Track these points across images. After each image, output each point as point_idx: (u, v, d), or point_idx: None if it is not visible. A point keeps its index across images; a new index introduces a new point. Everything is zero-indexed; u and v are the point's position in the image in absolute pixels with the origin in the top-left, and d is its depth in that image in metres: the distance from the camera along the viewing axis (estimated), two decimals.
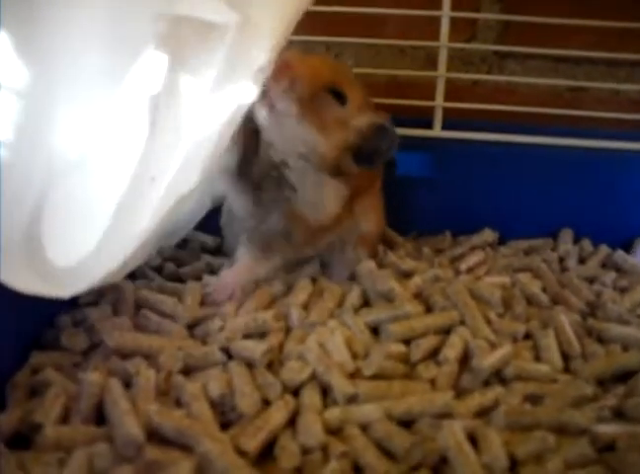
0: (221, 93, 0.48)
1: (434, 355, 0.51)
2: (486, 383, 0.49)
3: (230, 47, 0.47)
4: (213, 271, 0.64)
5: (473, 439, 0.42)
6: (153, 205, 0.46)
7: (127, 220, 0.46)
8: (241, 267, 0.58)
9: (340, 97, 0.55)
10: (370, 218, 0.63)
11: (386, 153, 0.56)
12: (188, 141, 0.47)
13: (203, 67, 0.47)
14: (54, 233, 0.45)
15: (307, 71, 0.53)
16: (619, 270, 0.68)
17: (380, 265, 0.63)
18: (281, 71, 0.51)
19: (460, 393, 0.48)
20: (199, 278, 0.60)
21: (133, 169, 0.46)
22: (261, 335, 0.52)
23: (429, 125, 0.74)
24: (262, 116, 0.53)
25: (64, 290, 0.45)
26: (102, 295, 0.57)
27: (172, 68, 0.46)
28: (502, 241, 0.73)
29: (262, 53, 0.47)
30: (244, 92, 0.48)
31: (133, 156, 0.46)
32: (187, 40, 0.46)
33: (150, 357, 0.49)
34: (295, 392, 0.47)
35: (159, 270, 0.64)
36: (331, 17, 0.73)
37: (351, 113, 0.55)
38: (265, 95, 0.51)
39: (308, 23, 0.73)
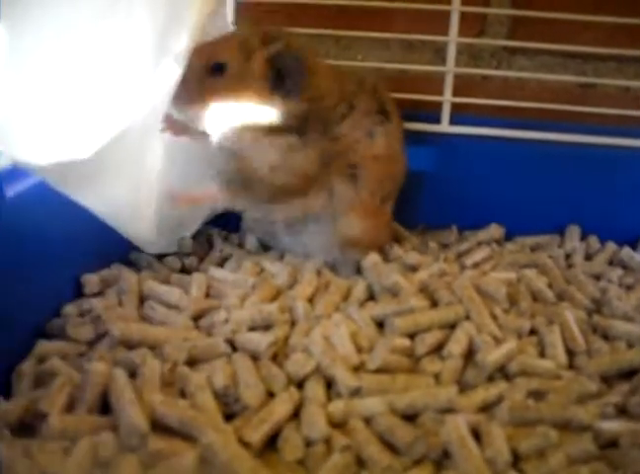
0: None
1: (438, 349, 0.51)
2: (490, 378, 0.49)
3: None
4: (220, 262, 0.64)
5: (476, 434, 0.43)
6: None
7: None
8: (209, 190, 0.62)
9: (220, 68, 0.56)
10: (354, 224, 0.62)
11: (299, 73, 0.57)
12: None
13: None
14: None
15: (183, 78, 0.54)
16: (625, 267, 0.67)
17: (386, 259, 0.63)
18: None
19: (464, 388, 0.48)
20: (205, 270, 0.60)
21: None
22: (266, 327, 0.52)
23: (437, 120, 0.73)
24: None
25: None
26: (107, 286, 0.58)
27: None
28: (508, 237, 0.73)
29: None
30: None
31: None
32: None
33: (155, 348, 0.49)
34: (300, 385, 0.47)
35: (165, 261, 0.64)
36: (340, 11, 0.73)
37: (235, 73, 0.56)
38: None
39: (317, 16, 0.73)
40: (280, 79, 0.56)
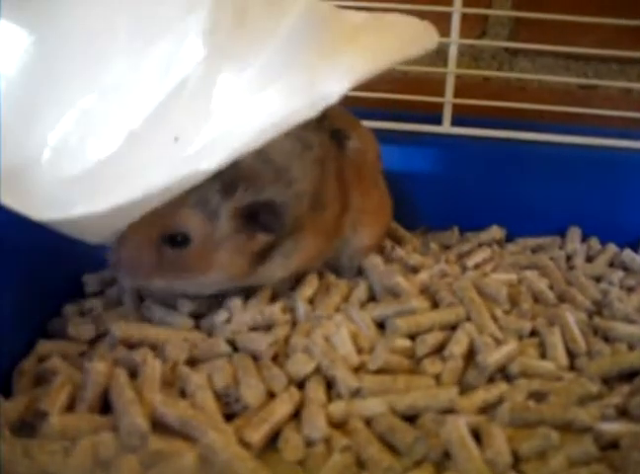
0: (261, 94, 0.45)
1: (439, 350, 0.50)
2: (491, 379, 0.49)
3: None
4: None
5: (477, 435, 0.42)
6: (173, 163, 0.44)
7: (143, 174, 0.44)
8: None
9: (178, 241, 0.49)
10: (363, 234, 0.60)
11: (270, 220, 0.50)
12: (218, 121, 0.45)
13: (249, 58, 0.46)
14: None
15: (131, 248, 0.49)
16: (627, 269, 0.67)
17: (387, 260, 0.63)
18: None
19: (465, 389, 0.48)
20: None
21: (154, 126, 0.46)
22: (267, 327, 0.52)
23: (438, 122, 0.73)
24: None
25: None
26: (108, 285, 0.58)
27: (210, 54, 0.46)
28: (509, 238, 0.73)
29: (335, 85, 0.45)
30: (290, 105, 0.45)
31: (155, 114, 0.46)
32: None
33: (156, 348, 0.49)
34: (300, 385, 0.47)
35: None
36: None
37: (200, 243, 0.49)
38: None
39: None
40: (254, 221, 0.49)
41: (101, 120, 0.47)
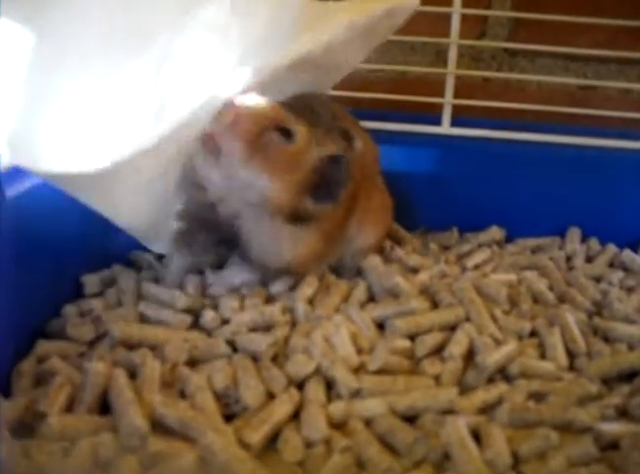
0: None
1: (439, 351, 0.51)
2: (490, 380, 0.49)
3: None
4: (220, 263, 0.64)
5: (477, 436, 0.42)
6: (158, 132, 0.47)
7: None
8: (237, 269, 0.58)
9: (287, 134, 0.51)
10: (367, 233, 0.61)
11: (344, 183, 0.53)
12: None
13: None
14: None
15: (251, 110, 0.50)
16: (626, 269, 0.67)
17: (387, 260, 0.63)
18: (224, 112, 0.49)
19: (464, 389, 0.48)
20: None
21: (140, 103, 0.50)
22: (266, 328, 0.52)
23: (438, 122, 0.74)
24: (206, 165, 0.51)
25: None
26: (108, 286, 0.58)
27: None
28: (509, 239, 0.73)
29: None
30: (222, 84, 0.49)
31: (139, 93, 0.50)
32: None
33: (156, 348, 0.49)
34: (300, 386, 0.47)
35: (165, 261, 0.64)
36: None
37: (301, 148, 0.51)
38: (207, 139, 0.50)
39: None
40: (320, 185, 0.52)
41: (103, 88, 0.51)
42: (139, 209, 0.54)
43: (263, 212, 0.52)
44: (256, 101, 0.51)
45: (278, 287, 0.57)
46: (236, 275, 0.58)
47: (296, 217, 0.53)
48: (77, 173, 0.46)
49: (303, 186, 0.52)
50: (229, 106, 0.49)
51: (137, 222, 0.56)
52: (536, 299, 0.59)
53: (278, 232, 0.53)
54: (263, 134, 0.50)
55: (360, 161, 0.59)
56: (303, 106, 0.54)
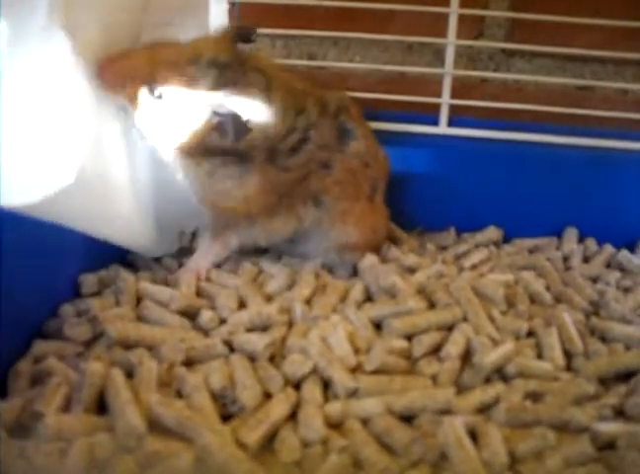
0: None
1: (436, 351, 0.51)
2: (487, 380, 0.49)
3: None
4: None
5: (474, 436, 0.42)
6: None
7: None
8: (200, 252, 0.62)
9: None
10: (350, 229, 0.62)
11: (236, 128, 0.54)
12: None
13: None
14: None
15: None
16: (623, 270, 0.67)
17: (384, 260, 0.63)
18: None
19: (462, 389, 0.48)
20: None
21: None
22: (263, 328, 0.52)
23: (435, 122, 0.74)
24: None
25: None
26: (105, 286, 0.58)
27: None
28: (506, 239, 0.73)
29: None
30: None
31: None
32: None
33: (153, 349, 0.49)
34: (297, 386, 0.47)
35: (162, 262, 0.64)
36: (339, 12, 0.73)
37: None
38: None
39: (316, 18, 0.73)
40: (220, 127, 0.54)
41: None
42: (114, 213, 0.55)
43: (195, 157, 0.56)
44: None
45: (275, 287, 0.57)
46: (202, 257, 0.61)
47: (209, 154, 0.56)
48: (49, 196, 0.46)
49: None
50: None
51: (118, 226, 0.56)
52: (533, 299, 0.59)
53: (212, 174, 0.57)
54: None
55: (353, 163, 0.60)
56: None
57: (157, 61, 0.53)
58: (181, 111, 0.54)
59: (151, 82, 0.53)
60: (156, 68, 0.53)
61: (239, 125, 0.54)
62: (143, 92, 0.53)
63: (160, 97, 0.53)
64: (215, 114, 0.54)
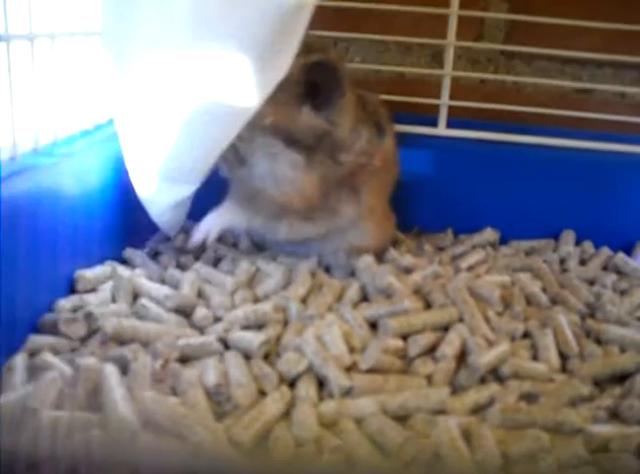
0: None
1: (431, 351, 0.51)
2: (482, 381, 0.49)
3: None
4: (215, 262, 0.64)
5: (468, 437, 0.42)
6: None
7: None
8: (220, 211, 0.60)
9: None
10: (365, 232, 0.63)
11: (336, 84, 0.55)
12: None
13: None
14: None
15: None
16: (620, 272, 0.68)
17: (381, 260, 0.63)
18: None
19: (456, 390, 0.48)
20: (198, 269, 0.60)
21: None
22: (259, 326, 0.52)
23: (434, 123, 0.74)
24: None
25: None
26: (101, 282, 0.58)
27: None
28: (503, 241, 0.73)
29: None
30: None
31: None
32: None
33: (148, 345, 0.49)
34: (292, 384, 0.47)
35: (159, 259, 0.64)
36: (339, 13, 0.73)
37: None
38: None
39: (317, 18, 0.73)
40: (313, 91, 0.55)
41: None
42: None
43: (261, 137, 0.55)
44: None
45: (270, 286, 0.57)
46: (217, 218, 0.60)
47: (295, 136, 0.55)
48: None
49: (295, 98, 0.54)
50: None
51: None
52: (529, 301, 0.59)
53: (276, 157, 0.57)
54: None
55: (382, 158, 0.62)
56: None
57: None
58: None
59: None
60: None
61: (335, 83, 0.54)
62: None
63: None
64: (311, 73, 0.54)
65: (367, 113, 0.61)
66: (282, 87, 0.52)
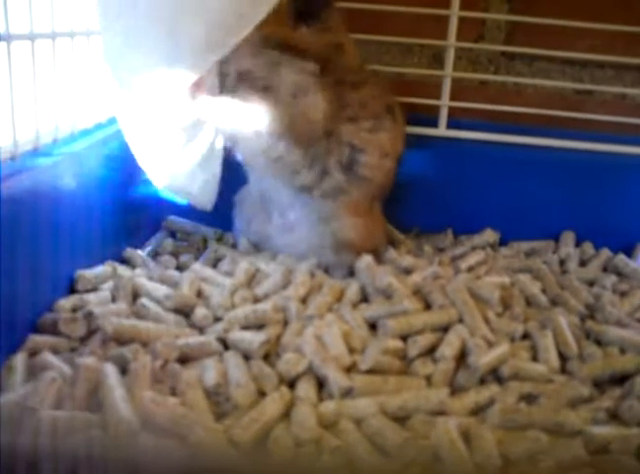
0: None
1: (431, 351, 0.51)
2: (482, 381, 0.49)
3: None
4: (214, 262, 0.64)
5: (467, 438, 0.42)
6: None
7: None
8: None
9: None
10: (349, 226, 0.62)
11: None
12: None
13: None
14: None
15: None
16: (620, 274, 0.68)
17: (380, 261, 0.63)
18: None
19: (456, 390, 0.48)
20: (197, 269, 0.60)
21: None
22: (258, 326, 0.52)
23: (434, 124, 0.74)
24: None
25: None
26: (101, 282, 0.58)
27: None
28: (503, 242, 0.73)
29: None
30: None
31: None
32: None
33: (147, 345, 0.49)
34: (291, 384, 0.47)
35: (159, 259, 0.64)
36: (339, 13, 0.73)
37: None
38: None
39: None
40: (303, 16, 0.57)
41: None
42: None
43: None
44: None
45: (270, 286, 0.57)
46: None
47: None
48: None
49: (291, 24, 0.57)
50: None
51: None
52: (529, 302, 0.59)
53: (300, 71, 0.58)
54: None
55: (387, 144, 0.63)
56: None
57: None
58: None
59: None
60: None
61: None
62: None
63: None
64: None
65: (378, 84, 0.64)
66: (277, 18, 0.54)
